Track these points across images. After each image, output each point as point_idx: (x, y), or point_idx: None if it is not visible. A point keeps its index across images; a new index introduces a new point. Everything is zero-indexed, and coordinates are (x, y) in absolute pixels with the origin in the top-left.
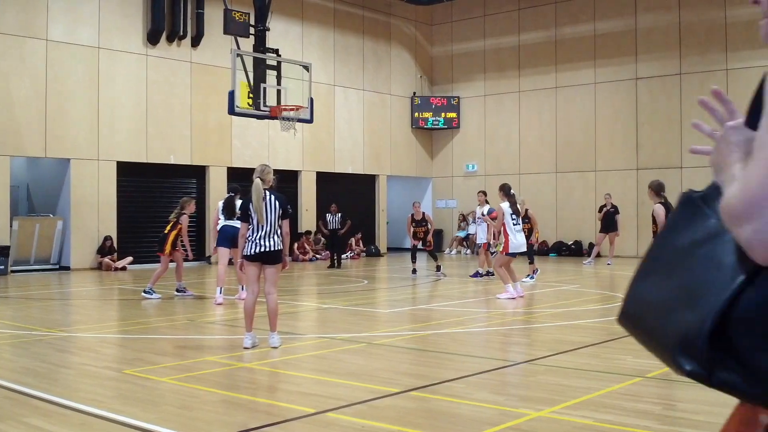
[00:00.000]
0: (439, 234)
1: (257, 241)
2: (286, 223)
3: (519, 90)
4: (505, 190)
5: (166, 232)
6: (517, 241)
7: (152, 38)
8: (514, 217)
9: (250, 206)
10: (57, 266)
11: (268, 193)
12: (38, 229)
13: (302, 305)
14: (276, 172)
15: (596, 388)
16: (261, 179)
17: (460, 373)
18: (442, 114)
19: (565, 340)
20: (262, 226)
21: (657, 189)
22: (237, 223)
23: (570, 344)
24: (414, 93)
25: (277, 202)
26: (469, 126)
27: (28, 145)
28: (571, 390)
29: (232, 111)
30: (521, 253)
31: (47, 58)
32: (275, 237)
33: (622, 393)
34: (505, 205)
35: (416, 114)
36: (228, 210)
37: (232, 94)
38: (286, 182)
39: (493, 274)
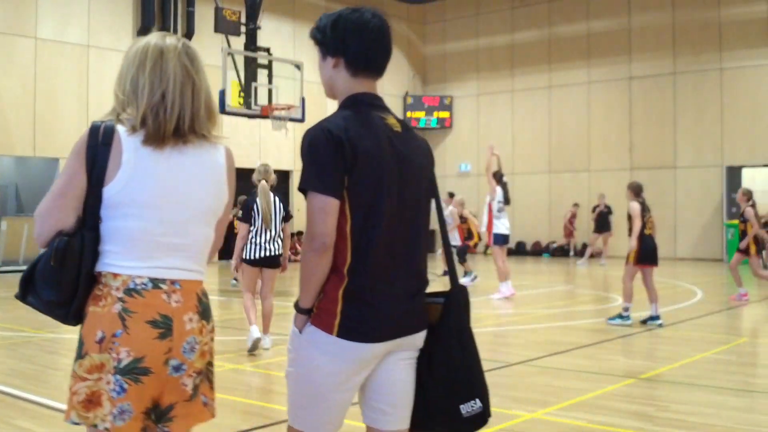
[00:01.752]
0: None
1: (261, 245)
2: (287, 227)
3: (512, 89)
4: (498, 177)
5: None
6: (503, 225)
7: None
8: (500, 204)
9: (255, 207)
10: None
11: (272, 195)
12: (27, 229)
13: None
14: None
15: (590, 389)
16: (266, 180)
17: None
18: (435, 113)
19: (558, 341)
20: (267, 230)
21: (636, 190)
22: None
23: (564, 345)
24: (406, 92)
25: (281, 205)
26: (462, 126)
27: (17, 144)
28: (564, 391)
29: (222, 110)
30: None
31: (36, 57)
32: (279, 241)
33: (616, 394)
34: (501, 195)
35: (408, 113)
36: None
37: (222, 93)
38: (277, 182)
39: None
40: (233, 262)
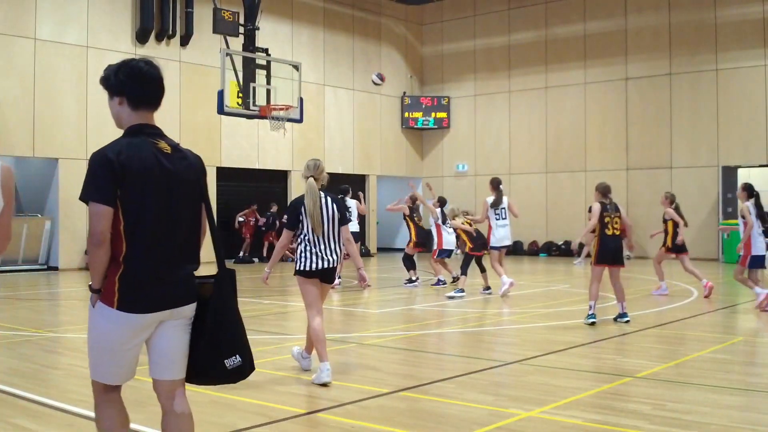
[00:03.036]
0: (428, 234)
1: (319, 253)
2: (345, 229)
3: (509, 90)
4: (494, 185)
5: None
6: (499, 234)
7: (141, 37)
8: (498, 211)
9: (303, 210)
10: (45, 266)
11: (323, 194)
12: (26, 229)
13: (292, 305)
14: (265, 172)
15: (586, 388)
16: (315, 178)
17: (449, 374)
18: (433, 114)
19: (554, 340)
20: (319, 236)
21: (604, 191)
22: (353, 227)
23: (560, 344)
24: (404, 93)
25: (334, 206)
26: (460, 126)
27: (16, 144)
28: (560, 390)
29: (221, 110)
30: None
31: (35, 57)
32: (338, 249)
33: (612, 393)
34: (490, 200)
35: (406, 114)
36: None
37: (221, 94)
38: (275, 182)
39: (444, 282)
40: (266, 270)
